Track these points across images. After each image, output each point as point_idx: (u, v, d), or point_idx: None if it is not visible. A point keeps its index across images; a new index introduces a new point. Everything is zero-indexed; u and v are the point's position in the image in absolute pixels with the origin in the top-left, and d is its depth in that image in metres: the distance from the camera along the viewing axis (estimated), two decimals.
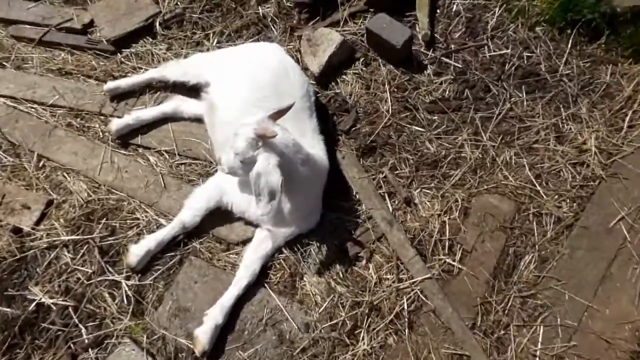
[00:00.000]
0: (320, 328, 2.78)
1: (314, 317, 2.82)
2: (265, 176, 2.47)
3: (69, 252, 2.98)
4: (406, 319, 2.79)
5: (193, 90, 3.48)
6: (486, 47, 3.51)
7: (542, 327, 2.70)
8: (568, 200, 3.02)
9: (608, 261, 2.80)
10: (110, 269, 2.95)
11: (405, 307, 2.82)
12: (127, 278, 2.96)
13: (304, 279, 2.97)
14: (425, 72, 3.54)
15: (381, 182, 3.22)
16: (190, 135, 3.53)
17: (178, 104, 3.52)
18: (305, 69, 3.51)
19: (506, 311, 2.77)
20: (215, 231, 3.16)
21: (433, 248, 2.97)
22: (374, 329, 2.79)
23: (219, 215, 3.08)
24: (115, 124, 3.40)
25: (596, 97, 3.27)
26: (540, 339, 2.67)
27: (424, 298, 2.83)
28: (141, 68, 3.76)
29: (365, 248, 3.02)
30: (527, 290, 2.82)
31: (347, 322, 2.80)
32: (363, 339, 2.75)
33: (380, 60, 3.61)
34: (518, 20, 3.54)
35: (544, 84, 3.36)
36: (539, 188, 3.06)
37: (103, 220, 3.09)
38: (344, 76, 3.59)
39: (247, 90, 3.03)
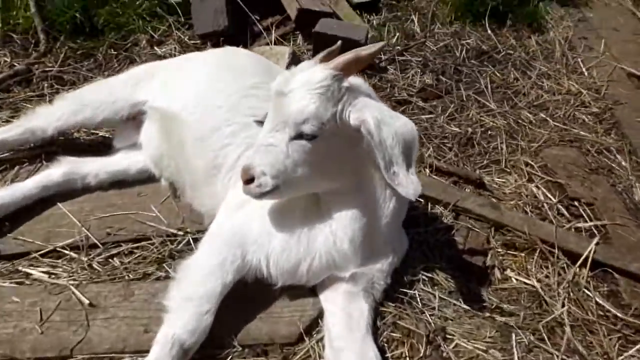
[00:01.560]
0: None
1: None
2: (388, 126, 1.33)
3: None
4: (616, 312, 1.74)
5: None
6: (427, 43, 3.33)
7: None
8: (604, 132, 2.75)
9: None
10: None
11: (598, 296, 1.79)
12: None
13: (449, 334, 1.62)
14: (389, 71, 3.05)
15: (432, 176, 2.31)
16: (112, 208, 1.95)
17: (72, 167, 1.97)
18: None
19: None
20: (244, 334, 1.58)
21: (553, 215, 2.13)
22: (598, 343, 1.61)
23: (232, 303, 1.56)
24: None
25: (542, 58, 3.36)
26: None
27: (611, 271, 1.87)
28: None
29: (488, 250, 1.93)
30: None
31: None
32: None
33: None
34: (436, 23, 3.56)
35: (497, 59, 3.31)
36: (576, 131, 2.72)
37: None
38: None
39: (230, 82, 1.87)
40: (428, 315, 1.68)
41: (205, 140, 1.75)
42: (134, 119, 2.03)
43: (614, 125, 2.84)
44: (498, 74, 3.16)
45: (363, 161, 1.47)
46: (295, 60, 2.81)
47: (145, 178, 2.05)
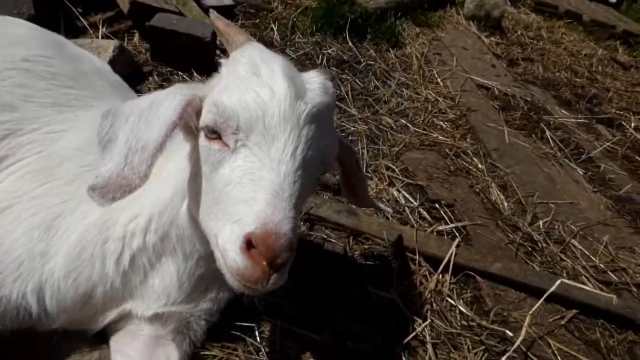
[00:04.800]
0: None
1: None
2: None
3: None
4: (480, 322, 1.55)
5: None
6: (287, 51, 3.12)
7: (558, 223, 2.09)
8: (461, 137, 2.76)
9: None
10: None
11: (462, 305, 1.60)
12: None
13: None
14: None
15: None
16: None
17: None
18: None
19: (539, 238, 2.02)
20: None
21: (415, 219, 1.95)
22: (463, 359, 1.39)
23: None
24: None
25: (401, 70, 3.37)
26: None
27: (473, 274, 1.70)
28: None
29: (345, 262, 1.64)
30: (522, 214, 2.19)
31: None
32: None
33: (180, 74, 2.56)
34: (297, 33, 3.40)
35: (357, 69, 3.22)
36: (435, 135, 2.67)
37: None
38: (140, 95, 2.29)
39: None
40: (265, 354, 1.29)
41: None
42: None
43: (468, 130, 2.87)
44: (359, 82, 3.06)
45: None
46: (123, 56, 2.34)
47: None
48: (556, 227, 2.17)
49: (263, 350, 1.30)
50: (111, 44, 2.30)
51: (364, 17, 3.65)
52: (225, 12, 3.27)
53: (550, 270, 1.89)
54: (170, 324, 1.20)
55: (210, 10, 1.14)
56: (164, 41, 2.51)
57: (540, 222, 2.15)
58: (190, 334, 1.22)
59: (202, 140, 0.92)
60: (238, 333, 1.32)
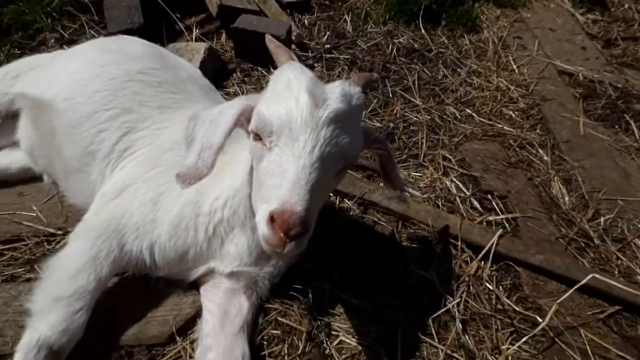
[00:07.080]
0: None
1: None
2: None
3: None
4: (515, 307, 1.67)
5: None
6: (358, 42, 3.29)
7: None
8: (530, 127, 2.73)
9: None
10: None
11: (499, 290, 1.72)
12: None
13: (335, 330, 1.55)
14: (315, 69, 2.99)
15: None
16: None
17: None
18: None
19: (594, 235, 2.02)
20: (127, 338, 1.46)
21: (465, 209, 2.07)
22: (489, 337, 1.54)
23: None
24: None
25: (474, 57, 3.35)
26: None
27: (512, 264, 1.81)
28: None
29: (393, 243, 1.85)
30: (583, 209, 2.18)
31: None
32: None
33: (260, 70, 2.89)
34: (369, 22, 3.54)
35: (428, 57, 3.29)
36: (500, 126, 2.69)
37: None
38: (225, 91, 2.67)
39: (114, 66, 1.76)
40: (315, 311, 1.58)
41: (78, 127, 1.65)
42: (16, 116, 1.90)
43: (540, 120, 2.82)
44: (427, 72, 3.14)
45: None
46: (212, 56, 2.73)
47: (29, 178, 1.92)
48: (619, 224, 2.12)
49: (313, 308, 1.59)
50: (202, 47, 2.69)
51: (439, 3, 3.65)
52: (302, 6, 3.53)
53: (601, 267, 1.91)
54: (243, 281, 1.53)
55: (266, 35, 1.39)
56: (246, 40, 2.85)
57: (602, 219, 2.13)
58: (258, 290, 1.55)
59: (251, 140, 1.20)
60: (295, 293, 1.62)
